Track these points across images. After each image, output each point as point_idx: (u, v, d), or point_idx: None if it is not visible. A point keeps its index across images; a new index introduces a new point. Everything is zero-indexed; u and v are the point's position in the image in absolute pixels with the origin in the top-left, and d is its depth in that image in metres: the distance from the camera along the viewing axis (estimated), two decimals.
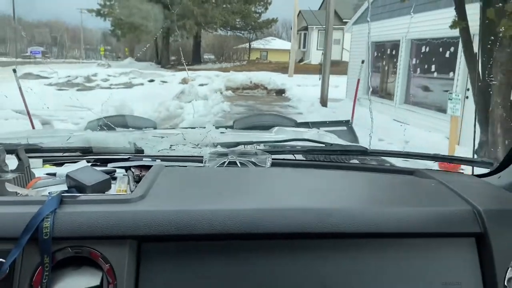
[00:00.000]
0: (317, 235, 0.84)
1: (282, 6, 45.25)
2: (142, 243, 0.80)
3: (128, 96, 10.78)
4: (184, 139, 1.43)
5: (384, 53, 10.86)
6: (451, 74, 7.63)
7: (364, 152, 1.32)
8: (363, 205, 0.91)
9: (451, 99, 5.48)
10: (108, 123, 1.90)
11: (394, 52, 10.08)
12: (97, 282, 0.76)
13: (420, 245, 0.88)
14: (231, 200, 0.90)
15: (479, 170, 1.33)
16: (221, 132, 1.62)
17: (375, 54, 11.38)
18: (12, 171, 0.97)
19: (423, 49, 8.67)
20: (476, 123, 5.50)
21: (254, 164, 1.21)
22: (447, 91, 6.32)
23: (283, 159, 1.32)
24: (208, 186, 0.99)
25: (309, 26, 30.60)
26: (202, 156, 1.22)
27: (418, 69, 8.98)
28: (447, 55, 7.77)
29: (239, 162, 1.20)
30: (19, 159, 0.99)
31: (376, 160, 1.45)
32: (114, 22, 27.94)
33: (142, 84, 15.10)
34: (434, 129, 7.93)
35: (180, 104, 10.76)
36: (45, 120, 8.81)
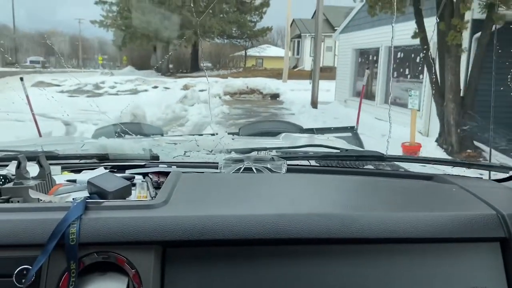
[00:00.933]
0: (340, 240, 0.84)
1: (276, 15, 46.59)
2: (167, 248, 0.81)
3: (137, 101, 11.92)
4: (198, 145, 1.44)
5: (367, 59, 12.12)
6: (421, 76, 8.84)
7: (380, 157, 1.31)
8: (386, 211, 0.90)
9: (411, 96, 6.65)
10: (122, 129, 1.94)
11: (375, 58, 11.32)
12: (123, 287, 0.76)
13: (445, 250, 0.87)
14: (252, 206, 0.91)
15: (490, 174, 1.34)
16: (233, 139, 1.63)
17: (359, 60, 12.64)
18: (33, 178, 0.98)
19: (398, 55, 9.90)
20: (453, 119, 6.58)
21: (270, 170, 1.21)
22: (410, 90, 7.49)
23: (298, 165, 1.32)
24: (227, 191, 1.00)
25: (302, 34, 32.00)
26: (217, 163, 1.23)
27: (395, 73, 10.22)
28: (418, 60, 8.98)
29: (255, 168, 1.21)
30: (40, 166, 1.00)
31: (390, 166, 1.42)
32: (116, 33, 29.12)
33: (146, 90, 16.25)
34: (408, 124, 9.11)
35: (184, 107, 11.96)
36: (67, 121, 9.96)
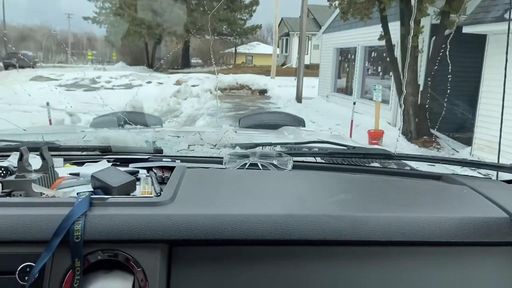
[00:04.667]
0: (351, 242, 0.83)
1: (266, 13, 47.50)
2: (174, 247, 0.80)
3: (133, 95, 12.83)
4: (201, 139, 1.43)
5: (346, 58, 13.22)
6: (390, 73, 9.93)
7: (388, 155, 1.29)
8: (397, 213, 0.88)
9: (375, 90, 7.74)
10: (121, 118, 1.91)
11: (353, 57, 12.43)
12: (128, 286, 0.75)
13: (456, 254, 0.86)
14: (260, 204, 0.89)
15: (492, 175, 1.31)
16: (235, 131, 1.60)
17: (340, 58, 13.75)
18: (36, 170, 0.94)
19: (372, 54, 11.01)
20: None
21: (276, 166, 1.19)
22: (375, 85, 8.57)
23: (303, 161, 1.30)
24: (234, 189, 0.98)
25: (290, 33, 33.07)
26: (222, 157, 1.22)
27: (369, 70, 11.33)
28: (388, 59, 10.07)
29: (261, 164, 1.20)
30: (43, 158, 0.96)
31: (397, 164, 1.39)
32: (109, 29, 29.79)
33: (141, 85, 17.15)
34: (380, 116, 10.20)
35: (177, 101, 12.95)
36: (70, 112, 10.85)
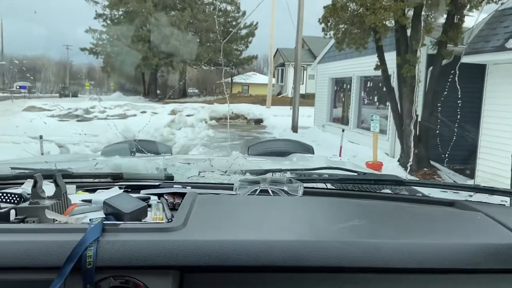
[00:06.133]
0: (364, 269, 0.81)
1: (262, 43, 48.21)
2: (185, 274, 0.79)
3: (128, 125, 12.62)
4: (212, 165, 1.43)
5: (342, 87, 13.12)
6: (387, 103, 9.78)
7: (399, 181, 1.29)
8: (411, 239, 0.86)
9: (373, 120, 7.52)
10: (134, 146, 1.91)
11: (349, 87, 12.32)
12: None
13: (472, 281, 0.84)
14: (272, 231, 0.88)
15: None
16: (246, 158, 1.60)
17: (335, 88, 13.66)
18: (49, 197, 0.96)
19: (368, 84, 10.89)
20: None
21: (286, 192, 1.19)
22: (372, 115, 8.38)
23: (314, 188, 1.29)
24: (245, 215, 0.98)
25: (285, 63, 33.36)
26: (232, 184, 1.22)
27: (365, 100, 11.19)
28: (384, 89, 9.95)
29: (271, 190, 1.19)
30: (56, 185, 0.98)
31: (408, 191, 1.38)
32: (106, 60, 29.97)
33: (135, 115, 16.96)
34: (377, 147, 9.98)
35: (171, 131, 12.71)
36: (60, 143, 10.58)
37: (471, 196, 1.49)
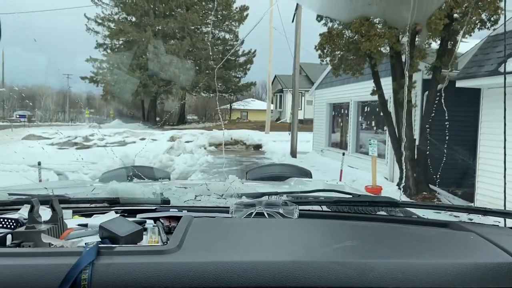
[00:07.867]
0: None
1: (260, 70, 48.96)
2: None
3: (127, 152, 12.64)
4: (208, 189, 1.44)
5: (339, 112, 13.24)
6: (385, 127, 9.84)
7: (394, 203, 1.30)
8: (405, 259, 0.87)
9: (371, 144, 7.55)
10: (130, 172, 1.95)
11: (346, 112, 12.43)
12: None
13: None
14: (266, 252, 0.89)
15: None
16: (242, 183, 1.61)
17: (333, 113, 13.78)
18: (45, 222, 0.97)
19: (365, 109, 10.99)
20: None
21: (282, 215, 1.20)
22: (370, 139, 8.41)
23: (310, 210, 1.30)
24: (240, 237, 0.98)
25: (284, 89, 33.77)
26: (228, 207, 1.22)
27: (363, 125, 11.26)
28: (381, 114, 10.04)
29: (267, 213, 1.20)
30: (53, 210, 0.99)
31: (403, 213, 1.39)
32: (105, 88, 30.31)
33: (134, 142, 17.01)
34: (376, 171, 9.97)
35: (170, 157, 12.71)
36: (59, 171, 10.57)
37: (471, 220, 1.47)
